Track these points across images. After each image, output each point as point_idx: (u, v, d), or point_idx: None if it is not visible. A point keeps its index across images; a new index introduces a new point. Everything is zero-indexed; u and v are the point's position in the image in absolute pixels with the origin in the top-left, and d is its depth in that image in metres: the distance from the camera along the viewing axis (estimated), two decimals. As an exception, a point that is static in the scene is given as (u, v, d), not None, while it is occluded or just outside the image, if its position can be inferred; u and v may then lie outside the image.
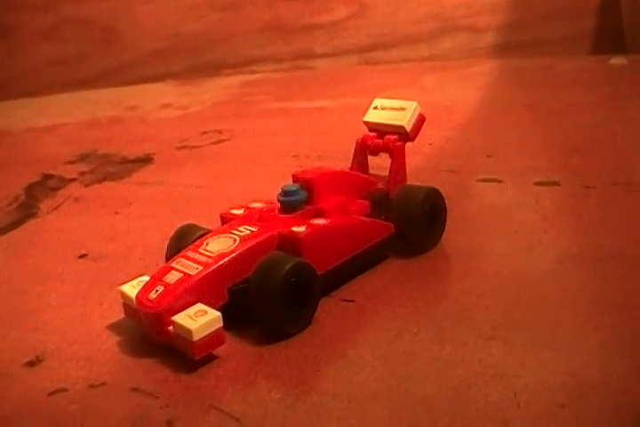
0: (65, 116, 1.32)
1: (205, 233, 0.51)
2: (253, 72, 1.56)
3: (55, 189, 0.86)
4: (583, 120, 0.87)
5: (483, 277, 0.51)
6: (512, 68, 1.27)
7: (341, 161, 0.73)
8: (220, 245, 0.48)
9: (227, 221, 0.53)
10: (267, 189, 0.66)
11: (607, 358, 0.41)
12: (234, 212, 0.54)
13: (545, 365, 0.40)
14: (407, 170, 0.59)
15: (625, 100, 0.94)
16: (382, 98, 0.61)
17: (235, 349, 0.45)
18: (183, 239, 0.52)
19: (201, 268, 0.46)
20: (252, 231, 0.49)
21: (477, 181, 0.69)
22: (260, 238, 0.48)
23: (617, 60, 1.19)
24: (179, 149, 0.96)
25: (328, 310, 0.49)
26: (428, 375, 0.41)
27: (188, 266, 0.46)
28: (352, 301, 0.50)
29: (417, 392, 0.39)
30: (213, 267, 0.46)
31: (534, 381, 0.39)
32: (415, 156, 0.69)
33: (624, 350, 0.41)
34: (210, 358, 0.44)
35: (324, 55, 1.56)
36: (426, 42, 1.50)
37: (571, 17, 1.39)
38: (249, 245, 0.47)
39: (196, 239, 0.50)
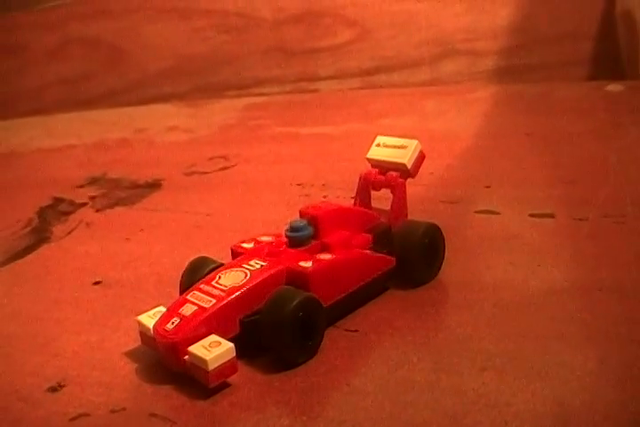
0: (73, 137, 1.34)
1: (218, 266, 0.54)
2: (257, 94, 1.58)
3: (67, 214, 0.88)
4: (579, 149, 0.89)
5: (478, 308, 0.54)
6: (511, 94, 1.29)
7: (344, 190, 0.77)
8: (232, 279, 0.50)
9: (237, 254, 0.55)
10: (273, 217, 0.69)
11: (594, 388, 0.43)
12: (244, 245, 0.56)
13: (534, 394, 0.43)
14: (408, 200, 0.62)
15: (620, 128, 0.96)
16: (384, 132, 0.64)
17: (246, 377, 0.48)
18: (196, 272, 0.54)
19: (214, 301, 0.48)
20: (262, 266, 0.52)
21: (475, 212, 0.72)
22: (270, 273, 0.51)
23: (614, 87, 1.21)
24: (187, 174, 0.99)
25: (333, 339, 0.51)
26: (426, 403, 0.43)
27: (202, 299, 0.49)
28: (356, 331, 0.53)
29: (416, 419, 0.42)
30: (226, 300, 0.48)
31: (524, 409, 0.42)
32: (416, 186, 0.71)
33: (610, 379, 0.44)
34: (223, 386, 0.47)
35: (327, 78, 1.58)
36: (427, 65, 1.52)
37: (569, 43, 1.41)
38: (259, 279, 0.50)
39: (209, 272, 0.53)
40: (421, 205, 0.72)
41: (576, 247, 0.63)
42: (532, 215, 0.69)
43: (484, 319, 0.52)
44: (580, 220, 0.67)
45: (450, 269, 0.60)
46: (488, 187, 0.78)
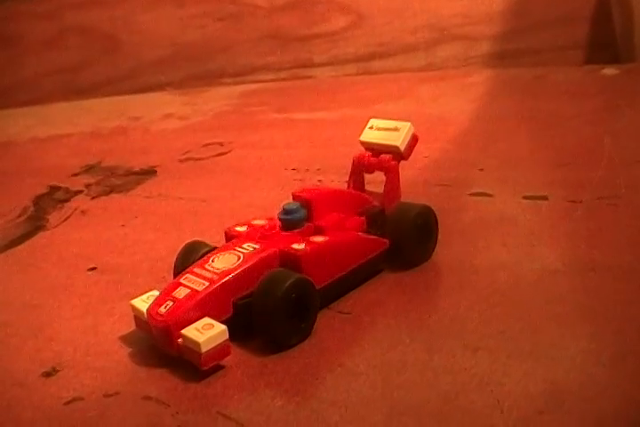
0: (68, 126, 1.34)
1: (211, 250, 0.54)
2: (253, 81, 1.58)
3: (62, 202, 0.88)
4: (574, 132, 0.89)
5: (471, 289, 0.54)
6: (506, 79, 1.29)
7: (338, 175, 0.76)
8: (224, 262, 0.50)
9: (231, 237, 0.55)
10: (268, 202, 0.69)
11: (585, 367, 0.43)
12: (237, 229, 0.56)
13: (527, 373, 0.43)
14: (402, 184, 0.62)
15: (615, 111, 0.96)
16: (379, 116, 0.63)
17: (239, 359, 0.48)
18: (190, 256, 0.54)
19: (207, 284, 0.49)
20: (254, 248, 0.52)
21: (469, 195, 0.72)
22: (263, 255, 0.51)
23: (609, 71, 1.21)
24: (182, 161, 0.99)
25: (326, 321, 0.52)
26: (418, 384, 0.43)
27: (195, 282, 0.49)
28: (349, 313, 0.53)
29: (408, 399, 0.42)
30: (219, 283, 0.49)
31: (516, 388, 0.42)
32: (410, 169, 0.71)
33: (602, 359, 0.44)
34: (216, 368, 0.47)
35: (322, 64, 1.58)
36: (423, 51, 1.52)
37: (565, 27, 1.41)
38: (252, 261, 0.50)
39: (202, 256, 0.53)
40: (415, 188, 0.72)
41: (570, 229, 0.63)
42: (525, 197, 0.69)
43: (477, 301, 0.52)
44: (574, 202, 0.67)
45: (443, 252, 0.60)
46: (482, 170, 0.78)
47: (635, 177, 0.71)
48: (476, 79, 1.29)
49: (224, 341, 0.46)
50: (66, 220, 0.81)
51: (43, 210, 0.86)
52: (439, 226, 0.60)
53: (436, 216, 0.60)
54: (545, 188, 0.71)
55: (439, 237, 0.61)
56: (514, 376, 0.43)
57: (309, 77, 1.57)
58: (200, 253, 0.54)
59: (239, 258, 0.51)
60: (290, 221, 0.54)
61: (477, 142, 0.90)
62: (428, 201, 0.60)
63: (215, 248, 0.54)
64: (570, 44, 1.41)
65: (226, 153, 1.00)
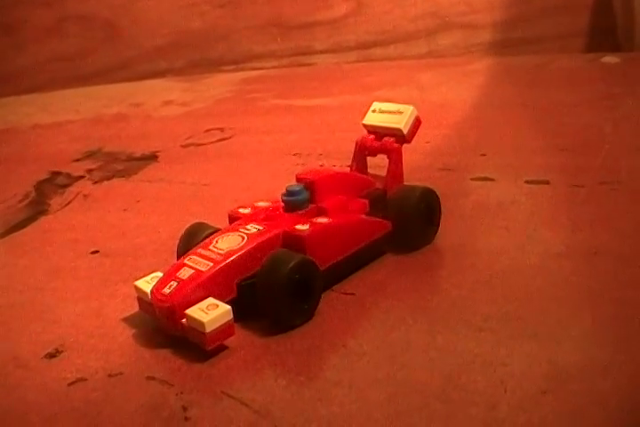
0: (70, 113, 1.34)
1: (214, 231, 0.54)
2: (253, 68, 1.58)
3: (64, 187, 0.88)
4: (575, 119, 0.89)
5: (474, 272, 0.54)
6: (508, 66, 1.29)
7: (340, 159, 0.77)
8: (228, 243, 0.50)
9: (234, 219, 0.55)
10: (270, 186, 0.69)
11: (589, 348, 0.43)
12: (241, 211, 0.56)
13: (530, 354, 0.43)
14: (404, 168, 0.62)
15: (616, 99, 0.96)
16: (380, 101, 0.63)
17: (244, 340, 0.48)
18: (193, 237, 0.54)
19: (211, 264, 0.49)
20: (258, 229, 0.52)
21: (471, 179, 0.72)
22: (267, 236, 0.51)
23: (609, 59, 1.21)
24: (183, 146, 0.99)
25: (330, 302, 0.52)
26: (422, 364, 0.44)
27: (199, 262, 0.49)
28: (352, 294, 0.53)
29: (412, 379, 0.42)
30: (223, 263, 0.49)
31: (520, 369, 0.42)
32: (412, 154, 0.71)
33: (605, 340, 0.44)
34: (221, 349, 0.47)
35: (323, 52, 1.58)
36: (424, 39, 1.52)
37: (566, 15, 1.41)
38: (256, 242, 0.50)
39: (206, 237, 0.53)
40: (418, 172, 0.72)
41: (572, 213, 0.63)
42: (527, 182, 0.69)
43: (479, 283, 0.52)
44: (576, 186, 0.67)
45: (446, 235, 0.60)
46: (484, 155, 0.79)
47: (636, 163, 0.72)
48: (477, 67, 1.29)
49: (228, 321, 0.46)
50: (67, 204, 0.81)
51: (44, 195, 0.86)
52: (442, 210, 0.61)
53: (438, 198, 0.60)
54: (547, 172, 0.71)
55: (442, 220, 0.61)
56: (517, 357, 0.43)
57: (310, 65, 1.57)
58: (203, 235, 0.54)
59: (243, 239, 0.51)
60: (293, 203, 0.54)
61: (479, 128, 0.90)
62: (431, 185, 0.60)
63: (219, 230, 0.54)
64: (570, 32, 1.41)
65: (227, 139, 1.00)
